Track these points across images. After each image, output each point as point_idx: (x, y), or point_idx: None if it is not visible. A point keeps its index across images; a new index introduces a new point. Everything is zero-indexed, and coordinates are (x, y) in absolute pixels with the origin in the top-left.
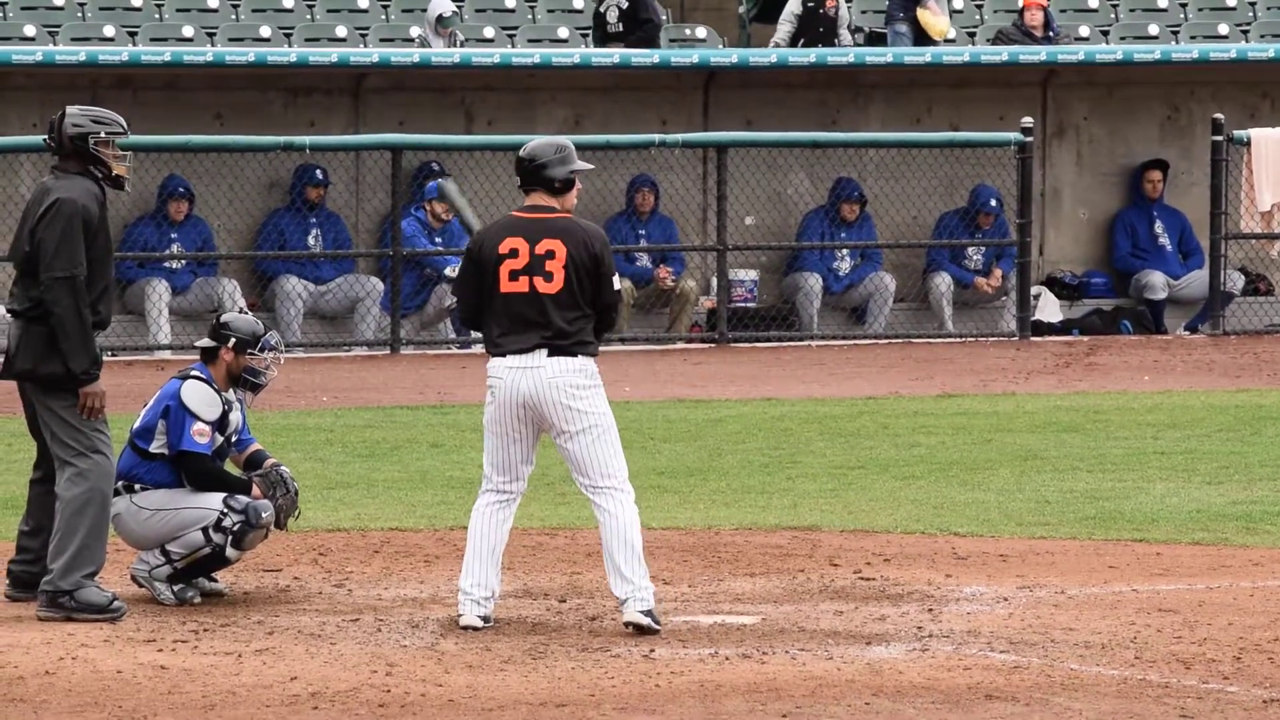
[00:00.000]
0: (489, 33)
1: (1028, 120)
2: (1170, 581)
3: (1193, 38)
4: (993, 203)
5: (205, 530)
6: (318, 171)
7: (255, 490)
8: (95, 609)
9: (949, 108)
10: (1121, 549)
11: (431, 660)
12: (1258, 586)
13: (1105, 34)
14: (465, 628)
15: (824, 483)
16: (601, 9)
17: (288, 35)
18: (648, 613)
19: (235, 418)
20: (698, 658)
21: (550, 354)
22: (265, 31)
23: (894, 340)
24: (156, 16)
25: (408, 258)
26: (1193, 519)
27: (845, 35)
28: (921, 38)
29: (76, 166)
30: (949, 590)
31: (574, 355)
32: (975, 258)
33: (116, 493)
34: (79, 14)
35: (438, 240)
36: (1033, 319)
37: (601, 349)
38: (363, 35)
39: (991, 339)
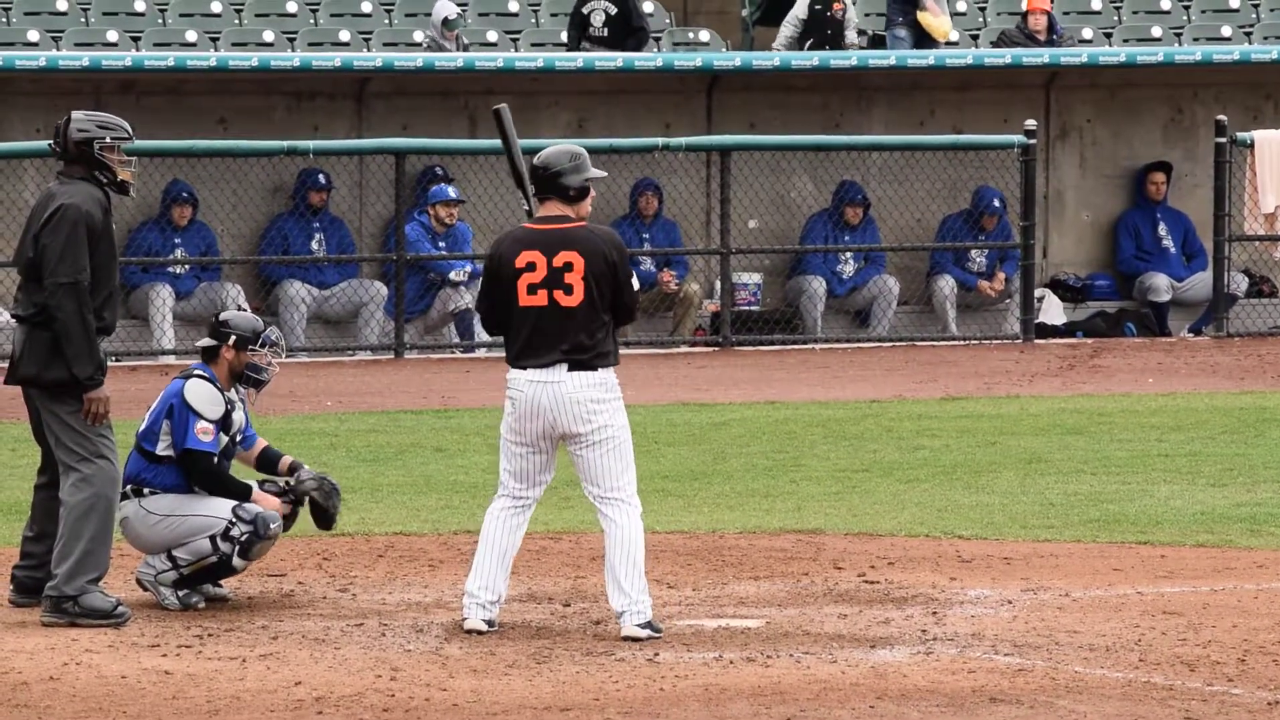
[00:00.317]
0: (492, 36)
1: (1031, 123)
2: (1175, 584)
3: (1196, 40)
4: (996, 203)
5: (213, 539)
6: (321, 176)
7: (260, 496)
8: (99, 614)
9: (952, 110)
10: (1126, 551)
11: (436, 665)
12: (1262, 589)
13: (1108, 36)
14: (470, 632)
15: (828, 486)
16: (585, 10)
17: (291, 40)
18: (645, 625)
19: (239, 417)
20: (702, 661)
21: (570, 369)
22: (269, 36)
23: (898, 343)
24: (160, 21)
25: (411, 262)
26: (1197, 521)
27: (852, 37)
28: (921, 41)
29: (81, 172)
30: (953, 593)
31: (594, 369)
32: (978, 260)
33: (125, 496)
34: (82, 19)
35: (441, 245)
36: (1036, 321)
37: None
38: (366, 39)
39: (995, 342)
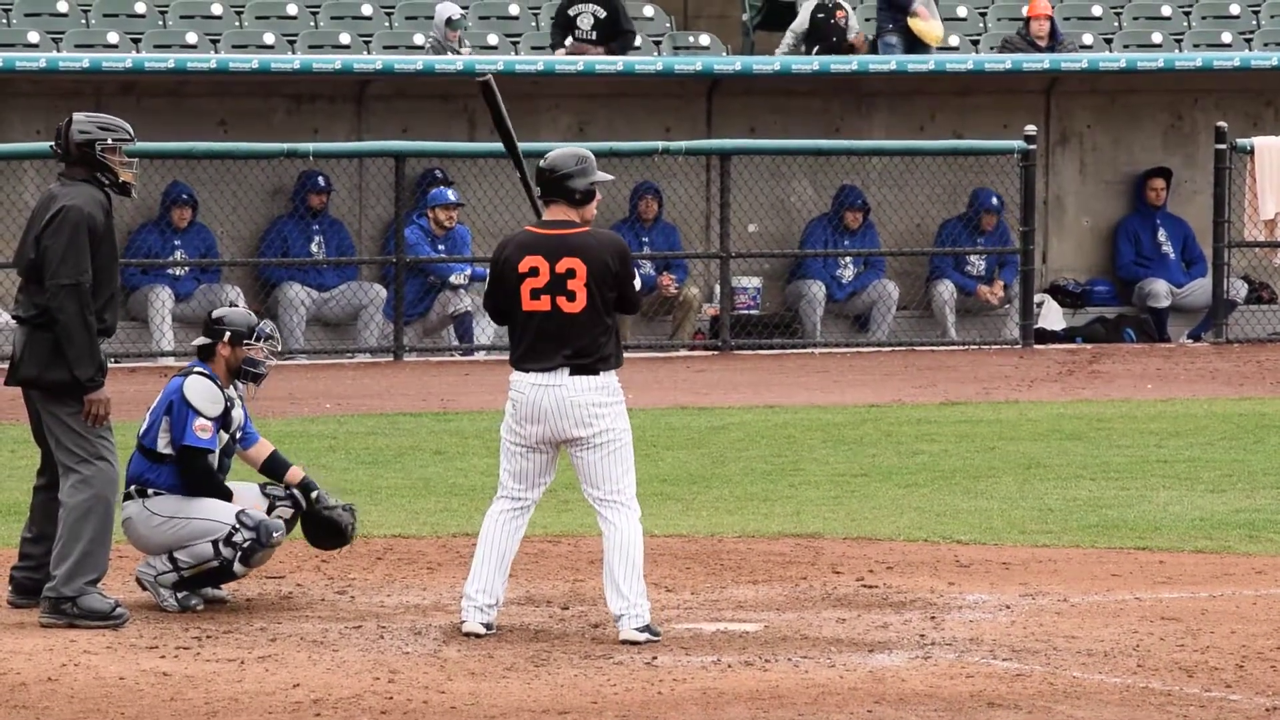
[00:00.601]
0: (492, 39)
1: (1031, 128)
2: (1173, 589)
3: (1196, 46)
4: (994, 201)
5: (215, 543)
6: (321, 178)
7: (239, 502)
8: (98, 616)
9: (952, 115)
10: (1124, 557)
11: (434, 667)
12: (1260, 595)
13: (1108, 42)
14: (468, 634)
15: (827, 490)
16: (572, 13)
17: (291, 42)
18: (643, 629)
19: (238, 414)
20: (700, 665)
21: (572, 373)
22: (269, 38)
23: (897, 348)
24: (160, 23)
25: (411, 265)
26: (1195, 527)
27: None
28: (912, 47)
29: (83, 173)
30: (951, 598)
31: (596, 373)
32: (977, 263)
33: (129, 496)
34: (83, 20)
35: (441, 247)
36: (1036, 327)
37: None
38: (366, 42)
39: (994, 347)
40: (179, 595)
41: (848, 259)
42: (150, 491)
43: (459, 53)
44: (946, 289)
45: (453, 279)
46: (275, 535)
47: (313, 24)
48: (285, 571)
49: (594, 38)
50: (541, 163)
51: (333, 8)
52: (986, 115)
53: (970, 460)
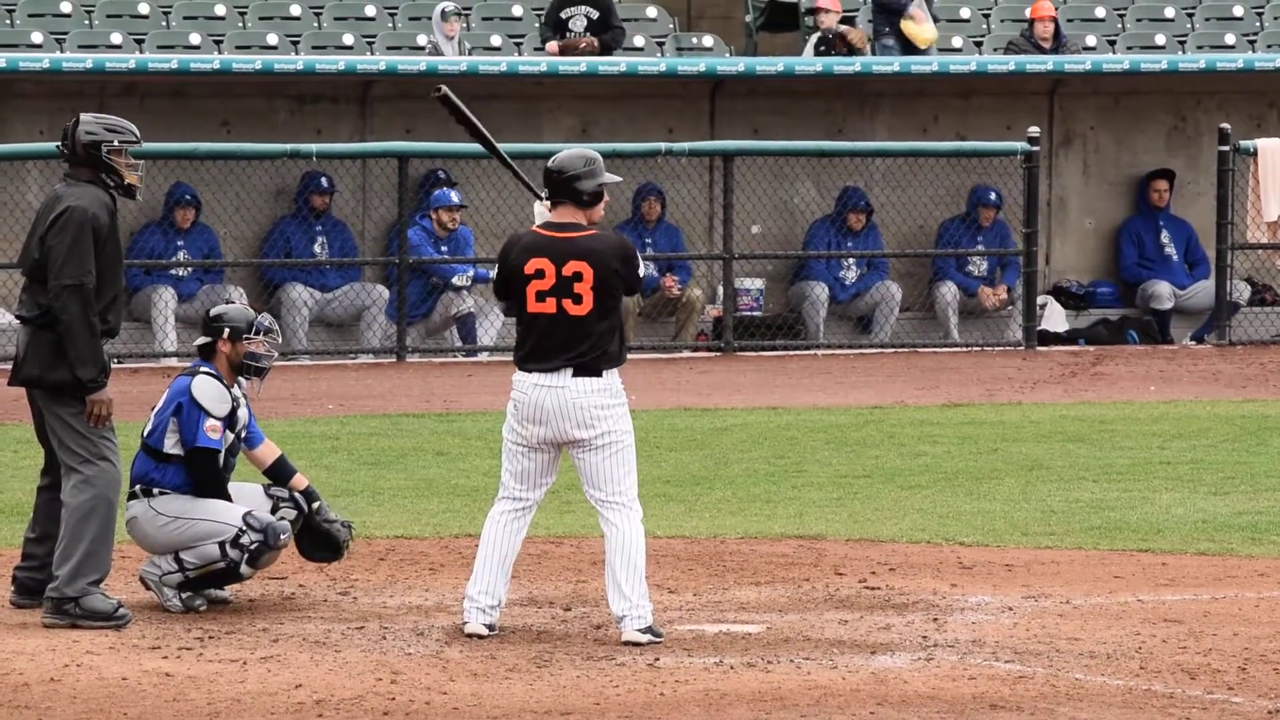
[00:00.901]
0: (496, 41)
1: (1034, 130)
2: (1176, 592)
3: (1200, 48)
4: (990, 196)
5: (222, 545)
6: (324, 179)
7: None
8: (100, 616)
9: (956, 117)
10: (1127, 559)
11: (436, 668)
12: (1263, 597)
13: (1112, 44)
14: (470, 635)
15: (829, 492)
16: (564, 15)
17: (295, 43)
18: (646, 630)
19: (242, 414)
20: (702, 666)
21: (575, 374)
22: (272, 39)
23: (900, 349)
24: (164, 24)
25: (414, 266)
26: (1198, 529)
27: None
28: (908, 50)
29: (88, 174)
30: (954, 600)
31: (599, 374)
32: (979, 262)
33: (134, 496)
34: (86, 21)
35: (444, 249)
36: (1039, 329)
37: None
38: (370, 43)
39: (997, 348)
40: (183, 596)
41: (850, 260)
42: (156, 491)
43: (451, 38)
44: (949, 290)
45: (455, 280)
46: (282, 537)
47: (316, 25)
48: (288, 572)
49: (586, 37)
50: (549, 164)
51: (336, 8)
52: (990, 117)
53: (973, 462)
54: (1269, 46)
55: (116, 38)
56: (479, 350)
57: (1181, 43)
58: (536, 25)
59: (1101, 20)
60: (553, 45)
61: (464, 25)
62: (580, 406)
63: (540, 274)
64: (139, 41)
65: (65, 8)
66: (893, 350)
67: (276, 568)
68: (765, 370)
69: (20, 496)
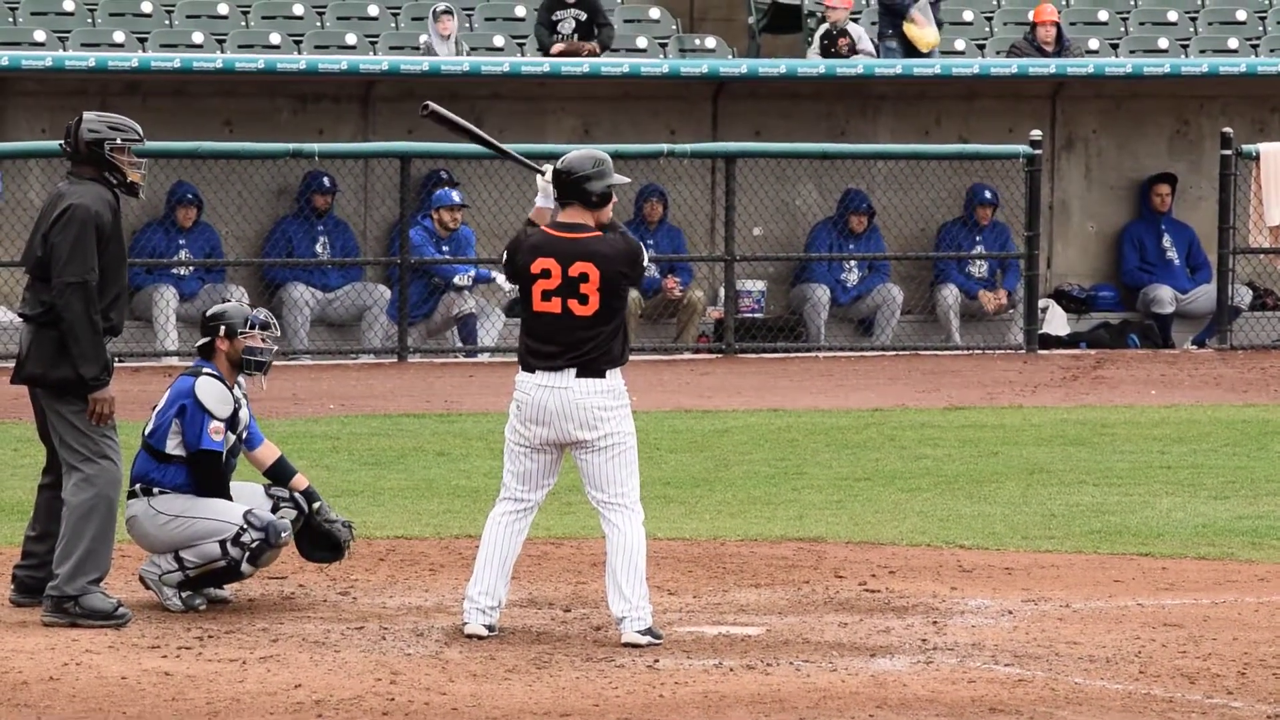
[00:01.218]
0: (498, 41)
1: (1036, 133)
2: (1175, 596)
3: (1202, 51)
4: (987, 194)
5: (223, 543)
6: (326, 179)
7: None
8: (100, 615)
9: (958, 120)
10: (1127, 563)
11: (436, 669)
12: (1263, 602)
13: (1115, 47)
14: (470, 636)
15: (830, 494)
16: (554, 18)
17: (297, 42)
18: (646, 632)
19: (244, 414)
20: (702, 668)
21: (579, 374)
22: (275, 38)
23: (901, 352)
24: (166, 23)
25: (415, 266)
26: (1198, 534)
27: (868, 47)
28: (910, 53)
29: (91, 172)
30: (954, 603)
31: (602, 375)
32: (980, 263)
33: (134, 495)
34: (89, 19)
35: (445, 249)
36: (1040, 332)
37: None
38: (372, 43)
39: (998, 352)
40: (183, 595)
41: (852, 263)
42: (156, 490)
43: (446, 36)
44: (951, 293)
45: (457, 280)
46: (283, 535)
47: (319, 24)
48: (288, 572)
49: (577, 40)
50: (558, 165)
51: (339, 8)
52: (992, 120)
53: (973, 465)
54: (1271, 51)
55: (119, 36)
56: (480, 351)
57: (1184, 46)
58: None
59: (1104, 24)
60: (558, 47)
61: (467, 24)
62: (583, 407)
63: (546, 273)
64: (141, 40)
65: (68, 6)
66: (894, 353)
67: (276, 567)
68: (766, 372)
69: (20, 495)
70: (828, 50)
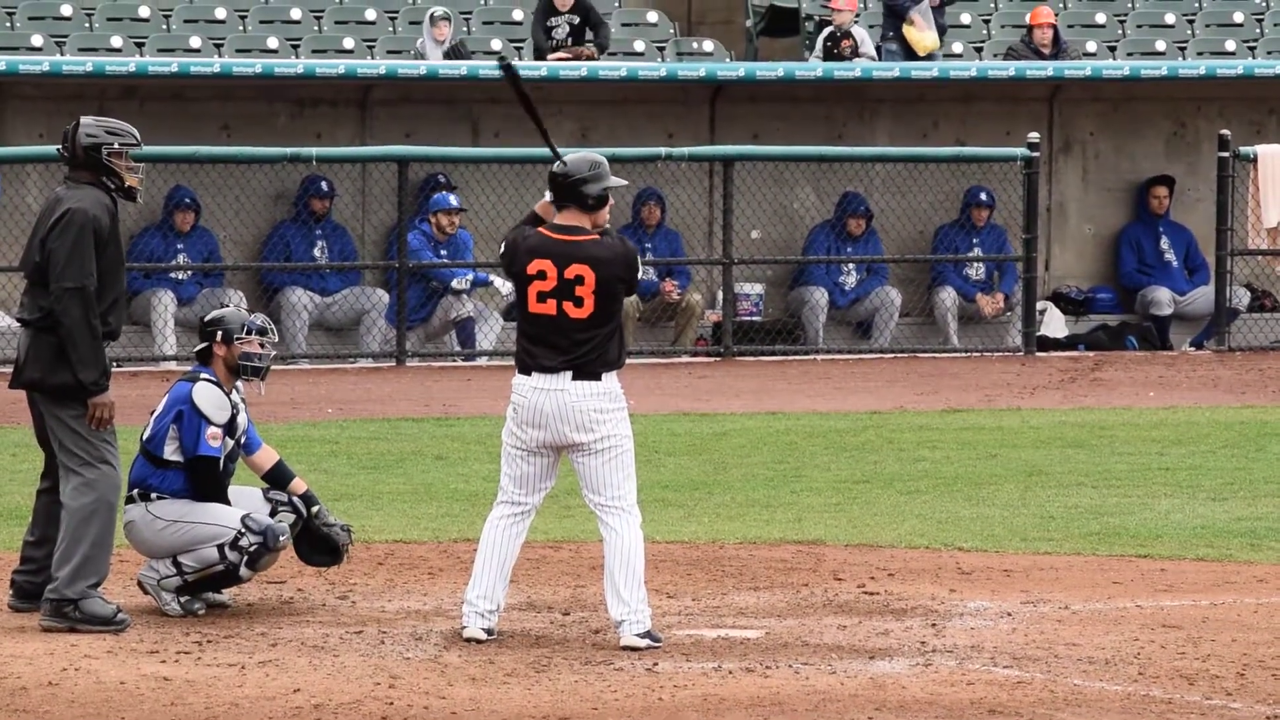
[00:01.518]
0: (496, 45)
1: (1034, 135)
2: (1174, 597)
3: (1199, 54)
4: (982, 196)
5: (221, 548)
6: (324, 183)
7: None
8: (99, 620)
9: (956, 123)
10: (1126, 565)
11: (435, 673)
12: (1261, 603)
13: (1112, 50)
14: (468, 640)
15: (828, 497)
16: (549, 24)
17: (295, 47)
18: (644, 635)
19: (242, 419)
20: (701, 671)
21: (575, 377)
22: (272, 43)
23: (899, 355)
24: (164, 27)
25: (413, 270)
26: (1197, 535)
27: (870, 49)
28: (910, 56)
29: (89, 177)
30: (953, 605)
31: (598, 377)
32: (978, 266)
33: (131, 500)
34: (86, 24)
35: (443, 253)
36: (1038, 334)
37: None
38: (370, 47)
39: (997, 354)
40: (181, 599)
41: (850, 266)
42: (154, 495)
43: (441, 42)
44: (949, 296)
45: (454, 284)
46: (281, 539)
47: (316, 28)
48: (286, 576)
49: (571, 43)
50: (555, 167)
51: (336, 12)
52: (990, 122)
53: (972, 467)
54: (1269, 53)
55: (116, 41)
56: (478, 354)
57: (1181, 49)
58: None
59: (1101, 26)
60: (560, 55)
61: (465, 29)
62: (579, 410)
63: (542, 275)
64: (139, 45)
65: (65, 11)
66: (892, 355)
67: (275, 572)
68: (764, 375)
69: (19, 500)
70: (831, 53)
